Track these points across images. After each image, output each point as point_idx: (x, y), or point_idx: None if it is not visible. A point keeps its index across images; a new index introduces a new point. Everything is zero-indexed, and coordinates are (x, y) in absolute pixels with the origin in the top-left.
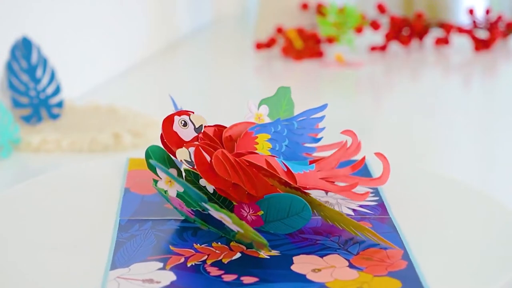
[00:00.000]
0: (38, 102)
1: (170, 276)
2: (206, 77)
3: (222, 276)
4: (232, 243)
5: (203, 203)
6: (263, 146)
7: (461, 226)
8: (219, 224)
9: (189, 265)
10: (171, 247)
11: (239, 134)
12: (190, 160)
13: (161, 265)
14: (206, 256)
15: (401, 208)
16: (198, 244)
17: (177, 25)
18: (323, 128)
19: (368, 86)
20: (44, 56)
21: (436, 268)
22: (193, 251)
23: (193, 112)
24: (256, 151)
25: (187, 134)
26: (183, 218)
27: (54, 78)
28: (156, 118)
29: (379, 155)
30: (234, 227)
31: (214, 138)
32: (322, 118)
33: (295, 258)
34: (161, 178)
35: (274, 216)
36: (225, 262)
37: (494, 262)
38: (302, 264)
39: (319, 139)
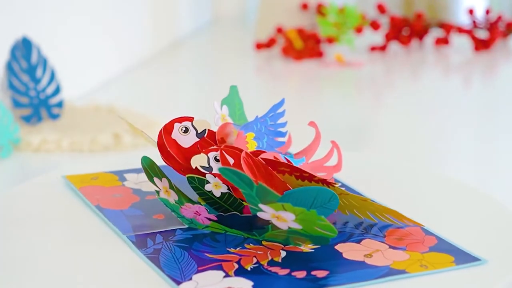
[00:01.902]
0: (38, 102)
1: (245, 282)
2: (206, 77)
3: (292, 273)
4: (264, 242)
5: (261, 205)
6: (251, 144)
7: (460, 224)
8: (243, 226)
9: (248, 268)
10: (208, 255)
11: (227, 135)
12: (207, 166)
13: (221, 272)
14: (255, 258)
15: (399, 204)
16: (232, 248)
17: (177, 25)
18: (286, 122)
19: (368, 86)
20: (44, 56)
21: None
22: (235, 255)
23: (194, 118)
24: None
25: (187, 140)
26: (186, 226)
27: (54, 78)
28: (156, 119)
29: (333, 143)
30: (284, 225)
31: (210, 141)
32: (283, 112)
33: (337, 248)
34: (160, 189)
35: None
36: (279, 261)
37: (495, 261)
38: (350, 252)
39: (286, 133)
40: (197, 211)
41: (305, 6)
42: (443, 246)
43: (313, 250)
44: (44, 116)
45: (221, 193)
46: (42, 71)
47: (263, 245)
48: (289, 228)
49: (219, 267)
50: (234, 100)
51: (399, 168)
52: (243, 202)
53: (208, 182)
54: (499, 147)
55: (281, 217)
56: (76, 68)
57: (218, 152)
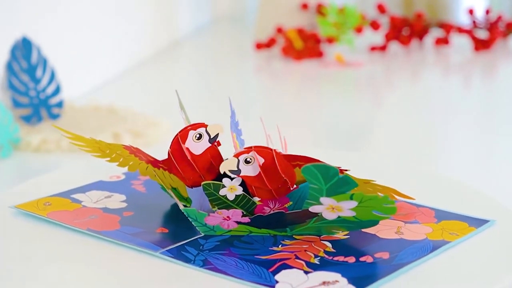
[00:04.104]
0: (38, 102)
1: (332, 274)
2: (206, 77)
3: (360, 259)
4: (296, 236)
5: (323, 198)
6: (236, 144)
7: (458, 250)
8: (273, 225)
9: (316, 261)
10: (261, 257)
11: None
12: (236, 169)
13: (297, 270)
14: (308, 252)
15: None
16: (274, 247)
17: (177, 25)
18: (238, 121)
19: (368, 86)
20: (44, 56)
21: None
22: (287, 252)
23: (207, 124)
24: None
25: (199, 147)
26: (202, 234)
27: (54, 78)
28: (156, 118)
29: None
30: (334, 215)
31: (214, 145)
32: (234, 112)
33: (365, 230)
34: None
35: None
36: (333, 250)
37: (496, 263)
38: (380, 232)
39: (241, 131)
40: (228, 216)
41: (305, 6)
42: (445, 215)
43: (348, 236)
44: (44, 116)
45: (235, 195)
46: (42, 71)
47: (299, 240)
48: (338, 217)
49: (287, 266)
50: (181, 104)
51: (398, 167)
52: (256, 202)
53: (224, 186)
54: (499, 146)
55: (339, 207)
56: (76, 68)
57: (249, 154)
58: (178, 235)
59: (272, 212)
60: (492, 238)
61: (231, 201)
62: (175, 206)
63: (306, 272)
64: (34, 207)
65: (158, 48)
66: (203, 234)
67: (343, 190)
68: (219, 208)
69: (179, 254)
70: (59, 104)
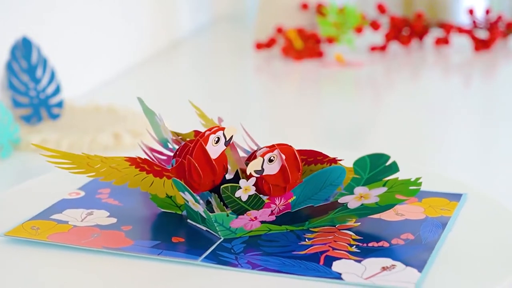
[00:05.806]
0: (38, 102)
1: (385, 260)
2: (206, 77)
3: (392, 243)
4: (314, 229)
5: (356, 188)
6: None
7: (460, 226)
8: (287, 222)
9: (355, 249)
10: (297, 253)
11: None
12: (260, 169)
13: (347, 260)
14: (339, 242)
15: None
16: (302, 242)
17: (177, 25)
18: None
19: (368, 86)
20: (44, 56)
21: (438, 272)
22: (320, 245)
23: (225, 128)
24: None
25: (216, 151)
26: (222, 238)
27: (54, 78)
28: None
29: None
30: (358, 203)
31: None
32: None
33: (369, 217)
34: (196, 203)
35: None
36: (360, 237)
37: (496, 263)
38: (382, 215)
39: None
40: (255, 217)
41: (305, 6)
42: (422, 194)
43: (360, 223)
44: (44, 116)
45: (248, 196)
46: (42, 71)
47: (319, 232)
48: (361, 205)
49: (333, 257)
50: (149, 111)
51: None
52: (265, 200)
53: (239, 188)
54: (499, 147)
55: (367, 195)
56: (76, 68)
57: (273, 152)
58: (198, 241)
59: (278, 209)
60: (475, 206)
61: (244, 202)
62: (163, 215)
63: (357, 261)
64: (25, 233)
65: (158, 48)
66: (222, 238)
67: (382, 177)
68: (233, 210)
69: (219, 260)
70: (59, 104)
